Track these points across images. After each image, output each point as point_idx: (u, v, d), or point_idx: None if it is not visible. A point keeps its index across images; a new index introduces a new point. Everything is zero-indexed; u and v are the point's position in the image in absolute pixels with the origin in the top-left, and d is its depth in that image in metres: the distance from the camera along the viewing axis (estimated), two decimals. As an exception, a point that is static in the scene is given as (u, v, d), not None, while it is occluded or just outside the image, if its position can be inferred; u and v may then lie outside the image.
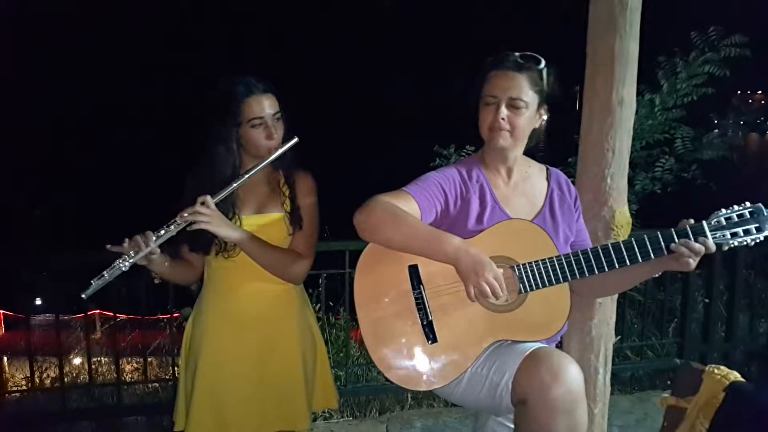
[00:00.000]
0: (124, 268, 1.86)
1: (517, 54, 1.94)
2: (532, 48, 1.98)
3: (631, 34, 2.28)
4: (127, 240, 1.89)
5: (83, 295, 1.87)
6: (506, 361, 1.78)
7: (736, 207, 1.76)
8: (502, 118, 1.90)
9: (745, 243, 1.76)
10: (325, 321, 4.06)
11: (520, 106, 1.90)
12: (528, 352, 1.75)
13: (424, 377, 1.85)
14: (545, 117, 2.01)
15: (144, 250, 1.86)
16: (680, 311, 4.11)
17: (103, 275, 1.85)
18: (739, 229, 1.74)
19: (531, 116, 1.94)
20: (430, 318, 1.85)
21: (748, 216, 1.74)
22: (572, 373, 1.66)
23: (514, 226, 1.92)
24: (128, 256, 1.85)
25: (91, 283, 1.85)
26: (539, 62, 1.93)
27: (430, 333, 1.85)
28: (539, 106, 1.96)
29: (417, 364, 1.86)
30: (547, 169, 2.14)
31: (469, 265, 1.73)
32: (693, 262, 1.75)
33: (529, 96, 1.91)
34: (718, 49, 4.87)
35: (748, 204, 1.76)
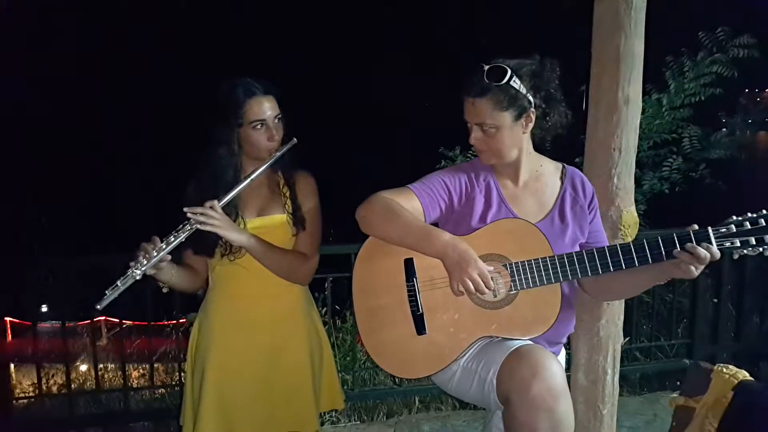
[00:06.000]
0: (137, 277, 1.85)
1: (485, 67, 1.85)
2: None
3: (636, 32, 2.27)
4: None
5: (98, 306, 1.85)
6: (493, 358, 1.80)
7: (749, 214, 1.68)
8: (477, 141, 1.93)
9: (758, 252, 1.68)
10: (331, 325, 4.05)
11: (489, 129, 1.89)
12: (512, 350, 1.76)
13: (411, 366, 1.91)
14: (533, 117, 1.92)
15: (155, 257, 1.86)
16: (689, 311, 4.08)
17: (116, 285, 1.84)
18: (751, 238, 1.66)
19: (508, 133, 1.89)
20: (421, 310, 1.89)
21: (765, 224, 1.66)
22: (552, 369, 1.65)
23: (510, 225, 1.93)
24: (140, 264, 1.85)
25: (105, 294, 1.84)
26: (503, 75, 1.83)
27: (420, 324, 1.89)
28: (518, 116, 1.88)
29: (405, 354, 1.92)
30: (564, 167, 2.11)
31: (454, 260, 1.76)
32: (694, 270, 1.68)
33: (495, 118, 1.86)
34: (726, 49, 4.84)
35: (764, 211, 1.68)
